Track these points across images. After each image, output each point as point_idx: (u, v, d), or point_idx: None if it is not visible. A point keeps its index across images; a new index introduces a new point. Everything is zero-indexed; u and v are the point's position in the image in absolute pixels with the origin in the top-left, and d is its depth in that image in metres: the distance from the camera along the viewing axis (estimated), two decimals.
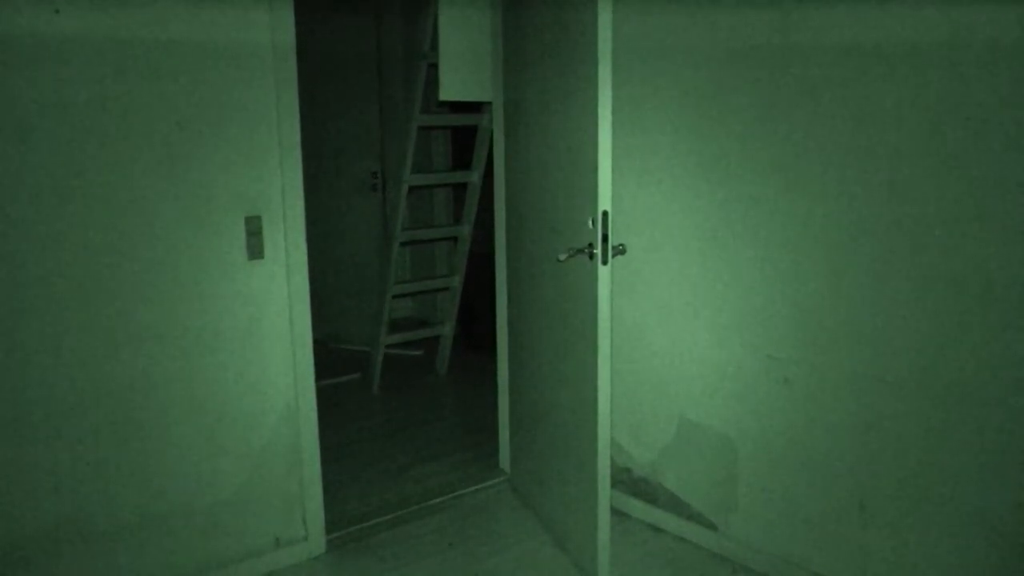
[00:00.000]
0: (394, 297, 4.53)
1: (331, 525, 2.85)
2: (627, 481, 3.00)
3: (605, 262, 2.29)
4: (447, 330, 4.71)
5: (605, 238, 2.28)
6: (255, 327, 2.49)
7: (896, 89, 2.08)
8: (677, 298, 2.73)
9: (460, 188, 5.34)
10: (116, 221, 2.20)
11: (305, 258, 2.56)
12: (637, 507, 2.97)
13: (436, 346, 4.89)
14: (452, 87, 3.22)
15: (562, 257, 2.38)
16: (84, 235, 2.16)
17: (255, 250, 2.45)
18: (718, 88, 2.49)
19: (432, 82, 4.05)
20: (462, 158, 5.35)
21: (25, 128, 2.04)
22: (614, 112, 2.79)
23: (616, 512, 2.98)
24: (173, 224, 2.30)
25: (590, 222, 2.31)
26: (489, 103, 4.05)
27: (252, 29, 2.36)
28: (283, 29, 2.42)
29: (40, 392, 2.15)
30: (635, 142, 2.77)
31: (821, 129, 2.25)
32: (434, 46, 4.00)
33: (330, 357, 4.98)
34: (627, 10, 2.69)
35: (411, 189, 4.32)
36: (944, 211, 2.04)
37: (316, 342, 2.65)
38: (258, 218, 2.45)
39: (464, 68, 3.21)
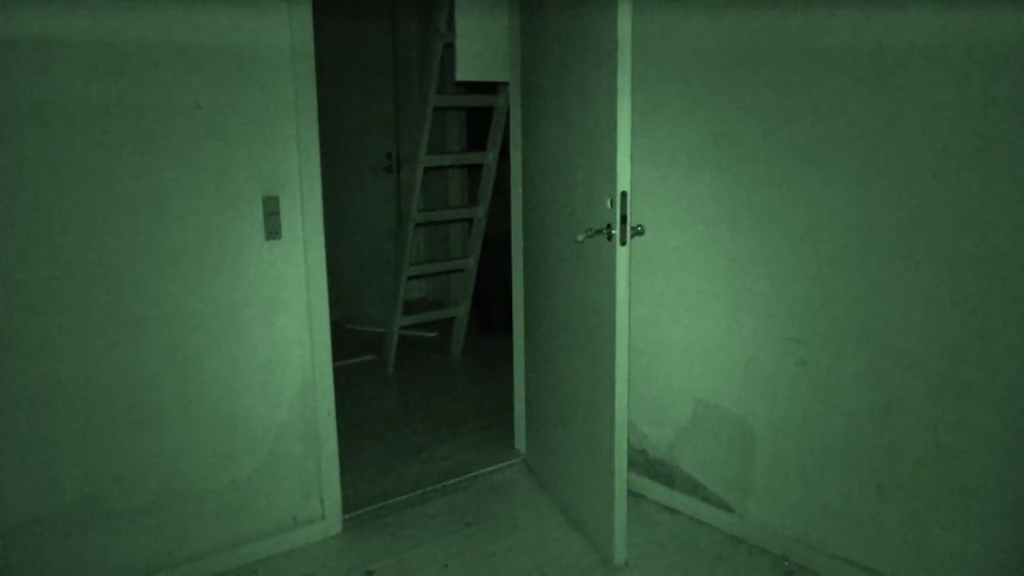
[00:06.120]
0: (409, 279, 4.54)
1: (348, 504, 2.87)
2: (643, 463, 3.00)
3: (624, 243, 2.28)
4: (462, 312, 4.71)
5: (624, 218, 2.26)
6: (273, 306, 2.50)
7: (914, 81, 2.05)
8: (694, 280, 2.71)
9: (474, 169, 5.33)
10: (136, 201, 2.21)
11: (322, 238, 2.56)
12: (653, 489, 2.97)
13: (451, 328, 4.89)
14: (469, 67, 3.20)
15: (580, 238, 2.37)
16: (105, 217, 2.17)
17: (273, 230, 2.45)
18: (741, 77, 2.46)
19: (448, 62, 4.03)
20: (476, 140, 5.33)
21: (51, 118, 2.05)
22: (633, 93, 2.76)
23: (632, 493, 2.98)
24: (192, 204, 2.30)
25: (608, 202, 2.30)
26: (505, 83, 4.03)
27: (271, 12, 2.34)
28: (301, 13, 2.40)
29: (62, 371, 2.16)
30: (654, 125, 2.75)
31: (842, 117, 2.22)
32: (451, 26, 3.98)
33: (344, 338, 4.99)
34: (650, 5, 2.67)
35: (426, 170, 4.31)
36: (965, 196, 2.01)
37: (331, 323, 2.66)
38: (276, 198, 2.44)
39: (481, 48, 3.19)
